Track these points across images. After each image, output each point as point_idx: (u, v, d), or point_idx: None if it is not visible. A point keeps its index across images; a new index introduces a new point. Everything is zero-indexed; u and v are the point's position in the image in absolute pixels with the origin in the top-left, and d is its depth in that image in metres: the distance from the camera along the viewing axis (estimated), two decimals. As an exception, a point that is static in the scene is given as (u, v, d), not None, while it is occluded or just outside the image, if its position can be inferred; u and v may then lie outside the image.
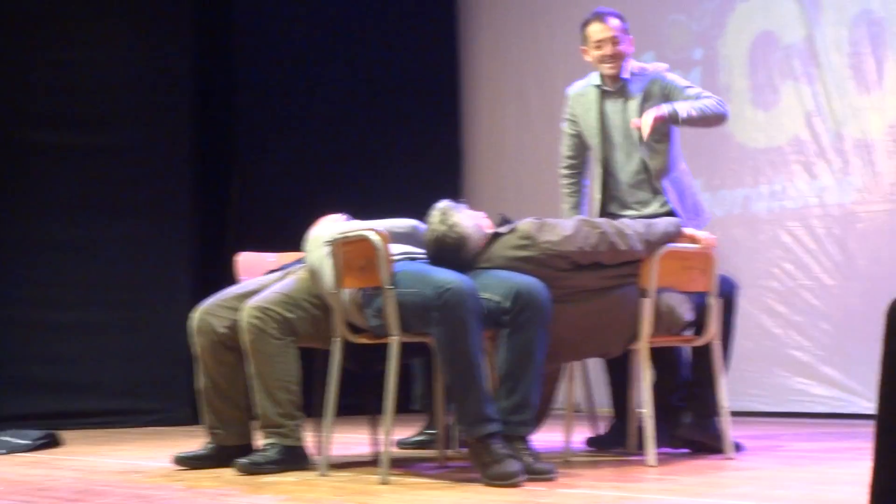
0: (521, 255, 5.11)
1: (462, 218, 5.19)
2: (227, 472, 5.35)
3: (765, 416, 8.09)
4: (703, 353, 5.59)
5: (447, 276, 4.81)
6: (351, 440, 6.88)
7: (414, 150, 10.20)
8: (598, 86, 6.24)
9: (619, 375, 6.13)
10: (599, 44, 6.15)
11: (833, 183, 8.14)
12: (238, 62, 9.76)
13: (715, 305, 5.46)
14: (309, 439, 5.58)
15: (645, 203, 6.16)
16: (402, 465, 5.56)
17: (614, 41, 6.13)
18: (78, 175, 8.91)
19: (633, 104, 6.11)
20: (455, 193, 8.36)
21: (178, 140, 9.20)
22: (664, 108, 5.93)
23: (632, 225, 5.24)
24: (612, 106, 6.21)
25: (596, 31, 6.17)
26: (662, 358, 5.74)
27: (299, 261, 5.91)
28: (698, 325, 5.55)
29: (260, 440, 5.47)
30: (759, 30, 8.66)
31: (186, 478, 5.25)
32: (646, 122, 5.90)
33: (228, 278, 8.46)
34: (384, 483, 4.82)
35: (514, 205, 9.28)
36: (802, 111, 8.33)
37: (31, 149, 8.84)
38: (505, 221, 5.30)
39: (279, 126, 9.76)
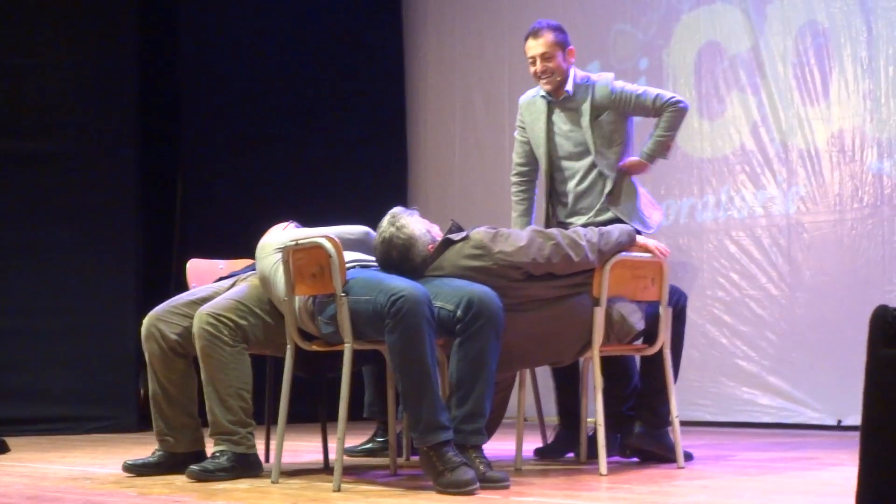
0: (474, 265, 5.11)
1: (411, 221, 5.21)
2: (179, 479, 5.33)
3: (712, 426, 8.15)
4: (652, 363, 5.62)
5: (400, 284, 4.81)
6: (302, 447, 6.88)
7: (360, 159, 10.21)
8: (543, 96, 6.28)
9: (565, 383, 6.16)
10: (532, 59, 6.19)
11: (779, 193, 8.21)
12: (183, 68, 9.73)
13: (666, 315, 5.50)
14: (260, 446, 5.57)
15: (592, 209, 6.18)
16: (353, 473, 5.56)
17: (545, 57, 6.13)
18: (22, 181, 8.85)
19: (585, 117, 6.13)
20: (402, 203, 8.38)
21: (122, 146, 9.14)
22: (643, 161, 6.14)
23: (585, 234, 5.26)
24: (559, 116, 6.24)
25: (529, 46, 6.21)
26: (613, 367, 5.76)
27: (249, 268, 5.91)
28: (648, 335, 5.58)
29: (211, 447, 5.45)
30: (704, 40, 8.72)
31: (137, 484, 5.22)
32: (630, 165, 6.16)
33: (174, 284, 8.48)
34: (337, 490, 4.82)
35: (461, 214, 9.29)
36: (748, 121, 8.40)
37: (-24, 156, 8.78)
38: (457, 228, 5.30)
39: (225, 132, 9.73)
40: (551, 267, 5.16)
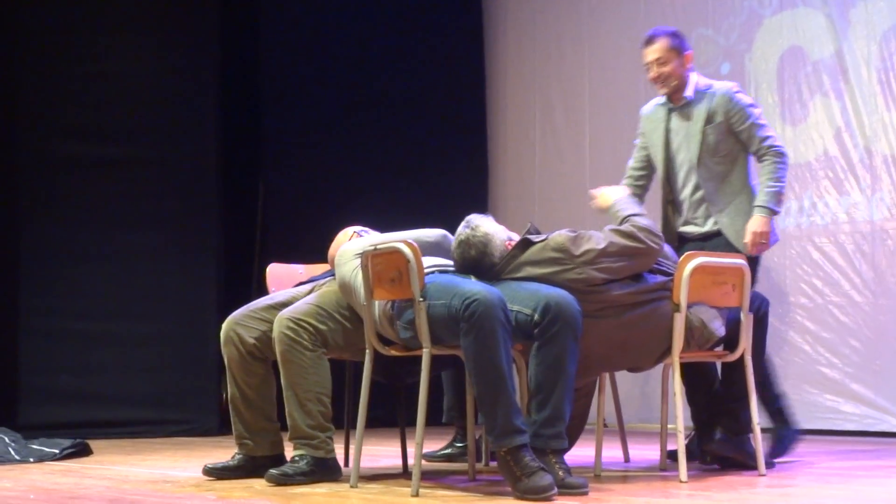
0: (553, 270, 5.10)
1: (485, 222, 5.24)
2: (258, 483, 5.35)
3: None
4: (733, 369, 5.57)
5: (475, 288, 4.81)
6: (380, 452, 6.90)
7: (441, 166, 10.20)
8: (663, 104, 6.37)
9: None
10: (647, 66, 6.27)
11: (862, 199, 8.12)
12: (264, 74, 9.78)
13: (747, 321, 5.45)
14: (339, 451, 5.58)
15: (702, 221, 6.28)
16: (432, 478, 5.55)
17: (660, 62, 6.22)
18: (106, 187, 8.94)
19: (697, 123, 6.19)
20: (482, 207, 8.34)
21: (204, 152, 9.22)
22: (760, 225, 6.06)
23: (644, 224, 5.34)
24: (677, 124, 6.31)
25: (645, 53, 6.28)
26: (695, 373, 5.72)
27: (328, 273, 5.92)
28: (729, 341, 5.53)
29: (290, 451, 5.46)
30: (787, 45, 8.64)
31: (217, 488, 5.26)
32: (752, 243, 6.07)
33: (255, 289, 8.53)
34: (415, 495, 4.81)
35: (541, 220, 9.27)
36: (831, 126, 8.31)
37: (60, 161, 8.88)
38: (535, 230, 5.29)
39: (305, 138, 9.77)
40: (635, 261, 5.14)
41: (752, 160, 6.25)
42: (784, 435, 6.09)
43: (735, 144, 6.19)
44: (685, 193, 6.29)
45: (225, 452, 6.05)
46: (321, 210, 9.28)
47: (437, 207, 8.79)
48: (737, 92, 6.21)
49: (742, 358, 5.46)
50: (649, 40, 6.28)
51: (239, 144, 9.62)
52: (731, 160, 6.20)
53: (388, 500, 4.75)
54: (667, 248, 5.81)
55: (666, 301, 5.27)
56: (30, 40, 8.94)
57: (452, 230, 5.50)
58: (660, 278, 5.31)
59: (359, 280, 5.23)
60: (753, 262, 5.99)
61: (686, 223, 6.33)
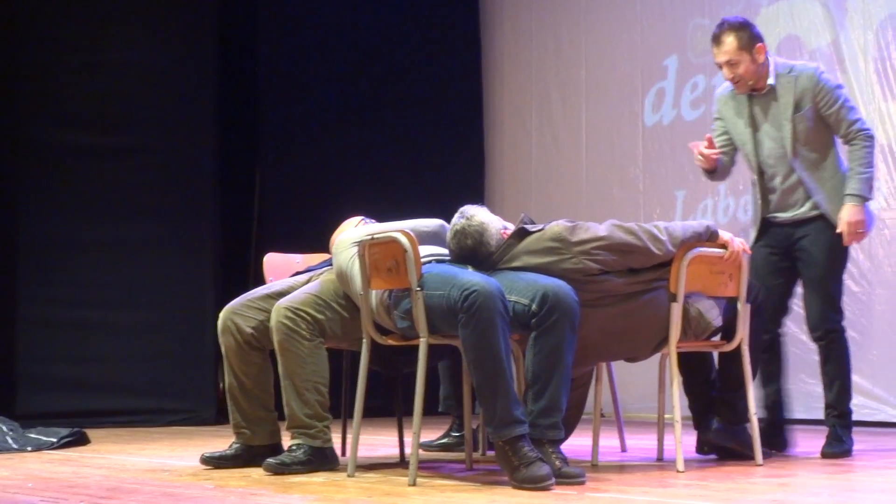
0: (549, 260, 5.10)
1: (479, 211, 5.26)
2: (256, 472, 5.36)
3: (791, 423, 8.04)
4: (730, 359, 5.57)
5: (473, 279, 4.81)
6: (378, 442, 6.90)
7: (438, 156, 10.20)
8: None
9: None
10: (720, 66, 5.92)
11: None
12: (262, 65, 9.76)
13: (744, 311, 5.45)
14: (336, 440, 5.59)
15: (797, 205, 5.98)
16: (429, 467, 5.57)
17: (731, 65, 5.84)
18: (103, 176, 8.94)
19: (786, 111, 5.88)
20: (479, 198, 8.33)
21: (202, 142, 9.21)
22: (854, 214, 5.79)
23: (667, 228, 5.24)
24: (761, 110, 5.98)
25: (714, 53, 5.92)
26: (692, 363, 5.72)
27: (325, 262, 5.93)
28: (726, 331, 5.54)
29: (288, 440, 5.47)
30: (784, 34, 8.63)
31: (215, 477, 5.26)
32: (848, 233, 5.80)
33: (252, 278, 8.53)
34: (412, 485, 4.82)
35: (537, 210, 9.30)
36: (829, 116, 8.29)
37: (58, 150, 8.87)
38: (529, 221, 5.29)
39: (302, 128, 9.77)
40: (629, 258, 5.14)
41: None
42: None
43: (825, 130, 5.89)
44: (776, 182, 5.98)
45: (222, 442, 6.06)
46: (318, 200, 9.29)
47: (434, 197, 8.80)
48: (822, 73, 5.92)
49: (739, 348, 5.47)
50: (716, 39, 5.87)
51: (236, 134, 9.61)
52: (823, 146, 5.90)
53: (386, 490, 4.76)
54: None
55: (663, 291, 5.28)
56: (28, 30, 8.94)
57: (449, 220, 5.51)
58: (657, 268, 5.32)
59: (355, 269, 5.24)
60: (844, 251, 5.90)
61: (778, 209, 6.01)
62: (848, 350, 5.94)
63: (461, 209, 5.30)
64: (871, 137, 5.84)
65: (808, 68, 5.94)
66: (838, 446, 5.82)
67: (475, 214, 5.23)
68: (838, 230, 5.80)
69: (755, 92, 5.95)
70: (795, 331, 8.23)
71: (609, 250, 5.11)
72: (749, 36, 5.85)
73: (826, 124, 5.89)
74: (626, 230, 5.18)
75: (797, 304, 8.05)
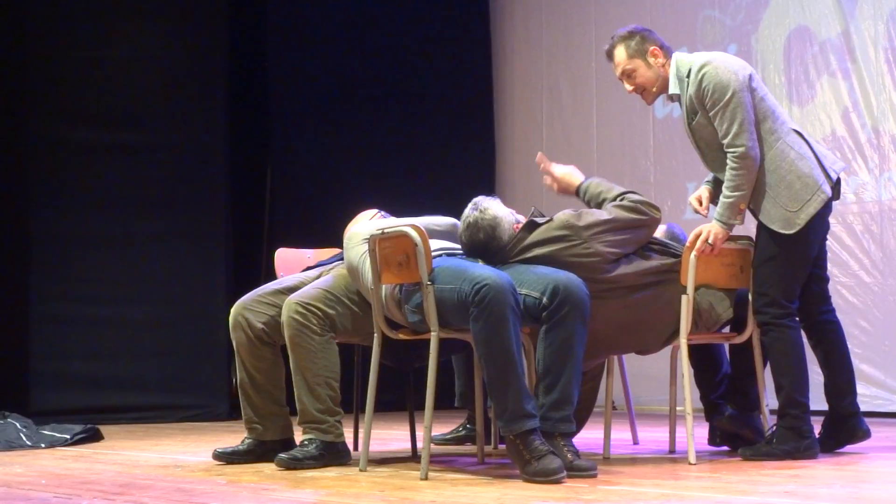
0: (559, 248, 5.13)
1: (493, 204, 5.27)
2: (268, 467, 5.37)
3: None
4: (742, 348, 5.57)
5: (484, 272, 4.81)
6: (390, 436, 6.91)
7: (448, 148, 10.21)
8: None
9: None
10: (622, 81, 5.65)
11: (870, 179, 8.10)
12: (272, 58, 9.78)
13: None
14: (348, 435, 5.60)
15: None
16: (441, 461, 5.57)
17: (628, 76, 5.55)
18: (115, 172, 8.96)
19: (685, 118, 5.55)
20: (489, 191, 8.36)
21: (213, 137, 9.22)
22: (716, 229, 5.32)
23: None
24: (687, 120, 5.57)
25: (613, 67, 5.64)
26: (703, 355, 5.72)
27: (336, 257, 5.94)
28: (737, 322, 5.54)
29: (300, 435, 5.48)
30: (794, 25, 8.62)
31: (227, 472, 5.27)
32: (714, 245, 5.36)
33: (264, 274, 8.54)
34: (424, 479, 4.83)
35: (548, 202, 9.27)
36: (839, 107, 8.29)
37: (69, 146, 8.89)
38: (539, 214, 5.32)
39: (314, 123, 9.78)
40: (638, 233, 5.19)
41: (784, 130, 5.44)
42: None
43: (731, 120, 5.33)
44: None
45: (235, 437, 6.07)
46: (329, 195, 9.31)
47: (445, 190, 8.83)
48: (707, 69, 5.36)
49: (750, 339, 5.46)
50: (608, 56, 5.58)
51: (247, 129, 9.63)
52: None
53: (398, 484, 4.76)
54: (676, 229, 5.81)
55: (673, 283, 5.29)
56: (38, 26, 8.96)
57: (460, 213, 5.51)
58: (667, 260, 5.33)
59: (366, 265, 5.24)
60: (781, 251, 5.35)
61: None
62: (780, 347, 5.38)
63: (475, 200, 5.31)
64: (742, 158, 5.27)
65: (695, 65, 5.42)
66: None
67: (489, 208, 5.23)
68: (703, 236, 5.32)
69: (672, 101, 5.64)
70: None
71: (617, 230, 5.16)
72: (639, 41, 5.51)
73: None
74: (628, 208, 5.25)
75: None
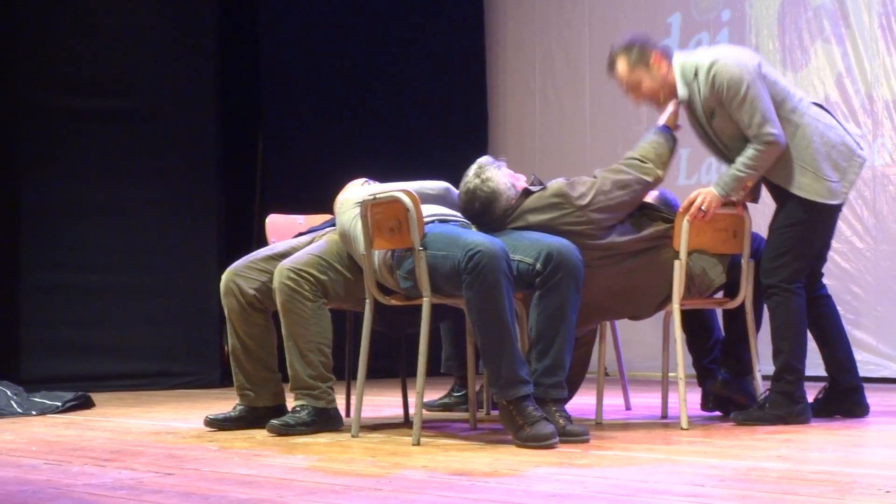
0: (553, 216, 5.13)
1: (496, 175, 5.23)
2: (260, 434, 5.37)
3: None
4: (736, 314, 5.57)
5: (477, 239, 4.80)
6: (382, 402, 6.90)
7: (440, 114, 10.19)
8: None
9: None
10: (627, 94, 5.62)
11: (864, 145, 8.06)
12: (264, 26, 9.72)
13: (748, 268, 5.44)
14: (340, 401, 5.59)
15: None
16: (433, 427, 5.57)
17: (632, 88, 5.50)
18: (106, 140, 8.90)
19: (705, 122, 5.49)
20: (481, 156, 8.34)
21: (203, 104, 9.17)
22: (712, 196, 5.32)
23: (638, 151, 5.34)
24: (702, 121, 5.52)
25: (616, 81, 5.57)
26: (695, 321, 5.71)
27: (328, 223, 5.92)
28: (730, 287, 5.53)
29: (292, 402, 5.47)
30: (788, -10, 8.60)
31: (219, 438, 5.27)
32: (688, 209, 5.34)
33: (256, 240, 8.51)
34: (416, 444, 4.83)
35: (541, 167, 9.27)
36: (833, 72, 8.27)
37: (58, 114, 8.83)
38: (538, 182, 5.32)
39: (305, 88, 9.74)
40: (629, 194, 5.19)
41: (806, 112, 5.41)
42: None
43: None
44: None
45: (226, 404, 6.06)
46: (320, 161, 9.28)
47: (438, 157, 8.83)
48: (717, 66, 5.32)
49: (743, 305, 5.46)
50: (610, 70, 5.51)
51: (238, 96, 9.58)
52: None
53: (390, 450, 4.75)
54: (668, 196, 5.80)
55: (666, 249, 5.28)
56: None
57: (452, 180, 5.50)
58: (660, 226, 5.32)
59: (358, 228, 5.22)
60: (797, 221, 5.35)
61: None
62: (784, 312, 5.37)
63: (480, 164, 5.30)
64: (770, 144, 5.26)
65: (702, 65, 5.36)
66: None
67: (490, 178, 5.21)
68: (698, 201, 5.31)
69: (681, 104, 5.53)
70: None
71: (608, 193, 5.14)
72: (638, 52, 5.44)
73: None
74: (614, 170, 5.29)
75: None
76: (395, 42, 10.13)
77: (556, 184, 5.24)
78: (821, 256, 5.65)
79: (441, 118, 10.16)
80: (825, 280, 5.73)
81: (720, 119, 5.39)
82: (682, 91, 5.44)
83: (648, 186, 5.32)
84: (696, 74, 5.38)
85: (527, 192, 5.25)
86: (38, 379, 8.11)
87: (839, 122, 5.50)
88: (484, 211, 5.22)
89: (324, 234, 5.77)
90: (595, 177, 5.29)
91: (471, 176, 5.25)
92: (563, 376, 4.89)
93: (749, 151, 5.31)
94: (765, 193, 5.65)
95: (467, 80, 10.49)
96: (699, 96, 5.39)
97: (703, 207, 5.30)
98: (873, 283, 8.02)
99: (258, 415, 5.60)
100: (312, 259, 5.43)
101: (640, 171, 5.28)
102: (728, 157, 5.48)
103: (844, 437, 4.88)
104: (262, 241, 6.44)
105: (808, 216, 5.35)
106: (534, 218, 5.17)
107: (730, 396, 5.64)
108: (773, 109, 5.31)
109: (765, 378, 5.53)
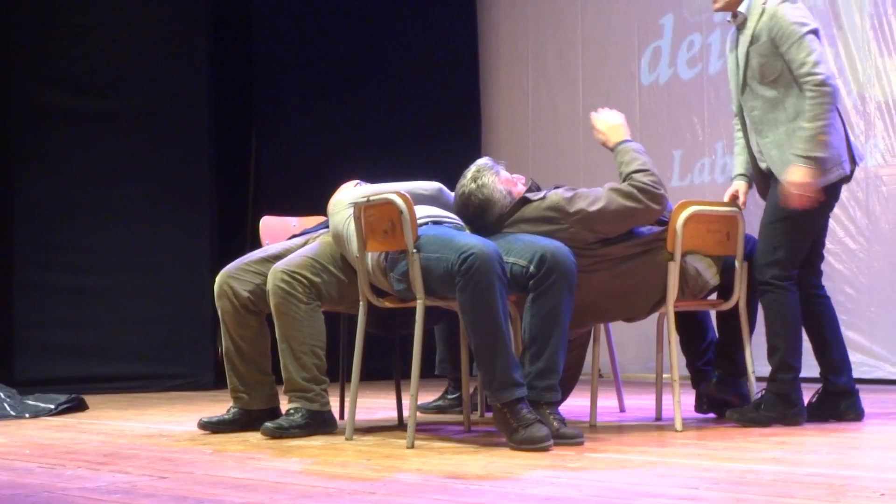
0: (546, 229, 5.11)
1: (493, 181, 5.21)
2: (254, 436, 5.37)
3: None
4: (729, 315, 5.57)
5: (470, 241, 4.79)
6: (376, 405, 6.90)
7: (434, 114, 10.18)
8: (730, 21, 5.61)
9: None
10: None
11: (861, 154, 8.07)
12: (257, 25, 9.71)
13: (742, 269, 5.44)
14: (334, 404, 5.58)
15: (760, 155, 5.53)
16: (427, 430, 5.57)
17: None
18: (99, 139, 8.89)
19: (743, 46, 5.44)
20: (475, 158, 8.37)
21: (197, 104, 9.16)
22: (794, 175, 5.24)
23: (653, 179, 5.21)
24: (740, 44, 5.50)
25: None
26: (689, 322, 5.71)
27: (321, 225, 5.91)
28: (724, 289, 5.53)
29: (286, 404, 5.47)
30: (780, -9, 8.58)
31: (213, 441, 5.26)
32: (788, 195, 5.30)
33: (249, 241, 8.51)
34: (411, 447, 4.82)
35: (534, 168, 9.30)
36: (825, 73, 8.26)
37: (53, 114, 8.82)
38: (536, 188, 5.30)
39: (299, 89, 9.73)
40: (630, 221, 5.15)
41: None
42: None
43: (782, 66, 5.33)
44: (751, 118, 5.49)
45: (220, 406, 6.06)
46: (314, 162, 9.28)
47: (430, 158, 8.81)
48: (788, 7, 5.32)
49: (737, 306, 5.46)
50: None
51: (232, 97, 9.57)
52: (780, 87, 5.36)
53: (384, 452, 4.75)
54: None
55: (660, 250, 5.27)
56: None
57: (445, 180, 5.49)
58: (655, 229, 5.32)
59: (351, 229, 5.23)
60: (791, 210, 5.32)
61: (758, 155, 5.54)
62: (778, 309, 5.41)
63: (479, 167, 5.30)
64: (820, 85, 5.22)
65: (771, 1, 5.36)
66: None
67: (486, 185, 5.20)
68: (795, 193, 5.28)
69: (733, 22, 5.54)
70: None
71: (607, 218, 5.12)
72: None
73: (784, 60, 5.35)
74: (626, 194, 5.15)
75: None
76: (388, 42, 10.12)
77: (554, 196, 5.19)
78: (816, 253, 5.62)
79: (434, 118, 10.15)
80: (821, 280, 5.72)
81: (761, 49, 5.34)
82: (744, 5, 5.40)
83: (652, 214, 5.24)
84: (765, 2, 5.36)
85: (524, 201, 5.22)
86: (32, 381, 8.10)
87: (846, 134, 5.45)
88: (477, 216, 5.22)
89: (317, 237, 5.77)
90: (603, 188, 5.21)
91: (468, 179, 5.24)
92: (556, 379, 4.89)
93: (806, 104, 5.22)
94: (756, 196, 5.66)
95: (460, 80, 10.48)
96: (755, 23, 5.37)
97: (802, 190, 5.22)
98: (866, 284, 8.02)
99: (252, 417, 5.60)
100: (306, 261, 5.43)
101: (651, 201, 5.16)
102: (753, 123, 5.46)
103: (839, 440, 4.88)
104: (256, 243, 6.44)
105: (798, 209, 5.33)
106: (528, 227, 5.15)
107: (724, 398, 5.64)
108: (826, 61, 5.32)
109: (759, 379, 5.54)
